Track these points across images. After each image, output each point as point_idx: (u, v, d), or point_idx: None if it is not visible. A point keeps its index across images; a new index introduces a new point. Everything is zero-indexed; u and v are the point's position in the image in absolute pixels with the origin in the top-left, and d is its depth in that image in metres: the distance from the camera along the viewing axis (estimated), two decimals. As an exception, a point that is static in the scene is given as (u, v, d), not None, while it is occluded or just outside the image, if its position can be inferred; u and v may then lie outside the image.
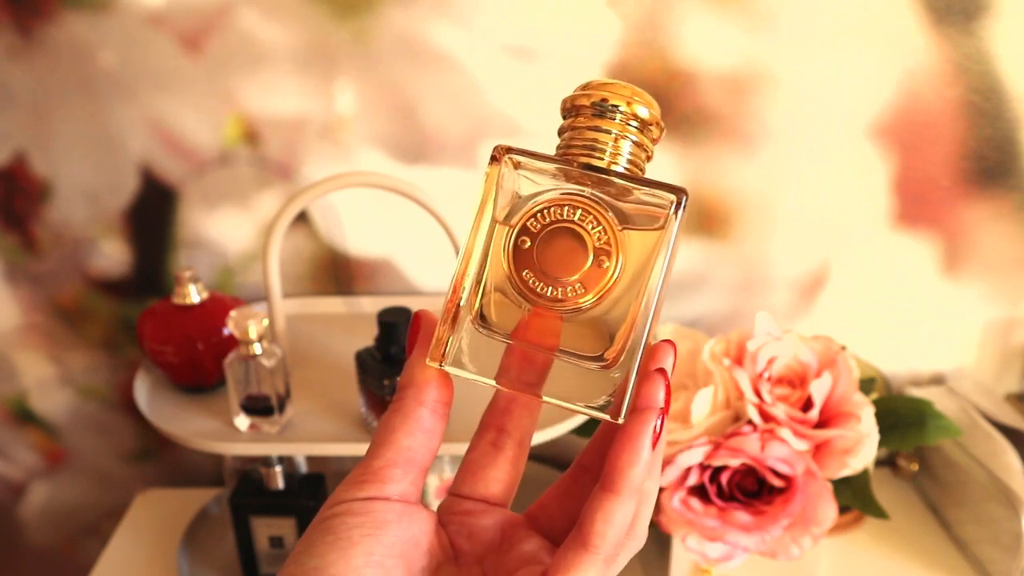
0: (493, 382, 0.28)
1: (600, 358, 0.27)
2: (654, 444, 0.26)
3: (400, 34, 0.72)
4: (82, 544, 0.96)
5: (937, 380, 0.87)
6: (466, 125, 0.75)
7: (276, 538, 0.70)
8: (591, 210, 0.27)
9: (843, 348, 0.62)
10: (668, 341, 0.28)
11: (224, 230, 0.80)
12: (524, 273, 0.27)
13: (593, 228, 0.27)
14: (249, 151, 0.77)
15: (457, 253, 0.66)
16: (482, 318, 0.28)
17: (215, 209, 0.79)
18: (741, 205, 0.78)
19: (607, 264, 0.27)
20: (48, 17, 0.71)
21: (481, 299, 0.28)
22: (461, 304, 0.28)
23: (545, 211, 0.28)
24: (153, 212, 0.79)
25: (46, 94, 0.74)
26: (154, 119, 0.75)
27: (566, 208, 0.27)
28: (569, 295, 0.27)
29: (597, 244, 0.27)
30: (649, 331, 0.27)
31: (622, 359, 0.27)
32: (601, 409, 0.27)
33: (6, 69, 0.73)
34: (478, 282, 0.28)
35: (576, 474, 0.30)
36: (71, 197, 0.79)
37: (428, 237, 0.75)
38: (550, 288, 0.27)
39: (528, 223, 0.28)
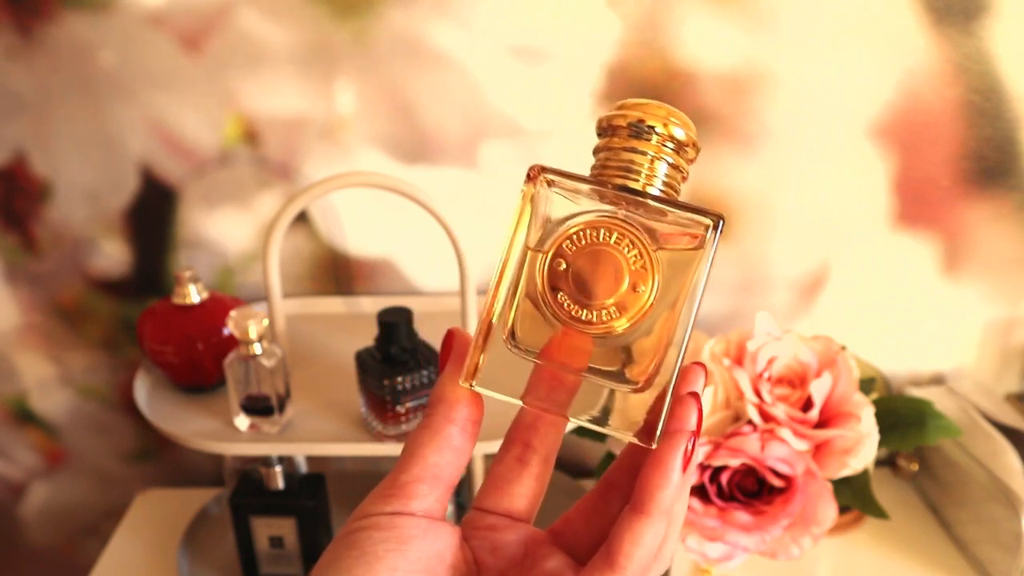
0: (521, 403, 0.28)
1: (632, 382, 0.27)
2: (684, 467, 0.26)
3: (400, 34, 0.72)
4: (82, 544, 0.96)
5: (937, 380, 0.87)
6: (466, 125, 0.75)
7: (276, 538, 0.70)
8: (627, 233, 0.27)
9: (843, 348, 0.62)
10: (699, 363, 0.28)
11: (224, 230, 0.80)
12: (559, 296, 0.27)
13: (629, 251, 0.27)
14: (249, 151, 0.77)
15: (457, 253, 0.66)
16: (512, 336, 0.28)
17: (215, 209, 0.79)
18: (741, 205, 0.78)
19: (642, 288, 0.27)
20: (48, 17, 0.71)
21: (513, 319, 0.28)
22: (493, 322, 0.28)
23: (581, 233, 0.27)
24: (153, 212, 0.79)
25: (46, 94, 0.74)
26: (154, 119, 0.75)
27: (602, 231, 0.27)
28: (604, 319, 0.27)
29: (633, 268, 0.27)
30: (683, 355, 0.27)
31: (655, 382, 0.27)
32: (633, 432, 0.27)
33: (6, 69, 0.73)
34: (511, 302, 0.28)
35: (603, 491, 0.30)
36: (71, 197, 0.79)
37: (428, 237, 0.75)
38: (584, 311, 0.27)
39: (564, 245, 0.27)
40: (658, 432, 0.26)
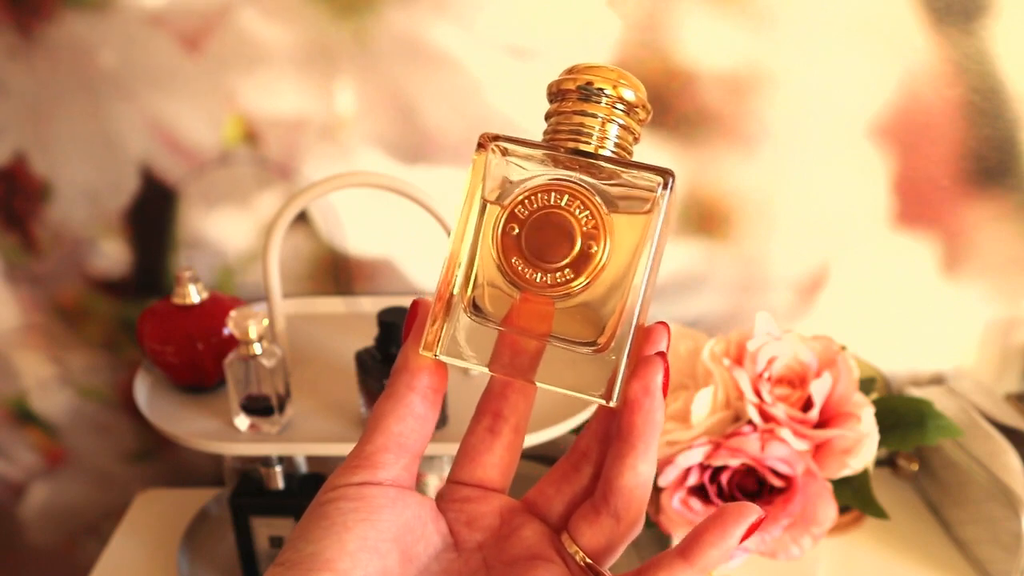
0: (486, 369, 0.28)
1: (592, 343, 0.27)
2: (746, 537, 0.26)
3: (400, 34, 0.72)
4: (82, 544, 0.96)
5: (937, 380, 0.87)
6: (466, 125, 0.75)
7: (276, 538, 0.70)
8: (578, 195, 0.27)
9: (843, 348, 0.62)
10: (662, 323, 0.28)
11: (224, 230, 0.80)
12: (513, 260, 0.27)
13: (580, 212, 0.27)
14: (249, 151, 0.77)
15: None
16: (475, 306, 0.28)
17: (215, 209, 0.79)
18: (741, 205, 0.78)
19: (595, 248, 0.27)
20: (48, 17, 0.71)
21: (474, 287, 0.28)
22: (454, 292, 0.28)
23: (532, 197, 0.27)
24: (153, 212, 0.79)
25: (46, 94, 0.74)
26: (154, 119, 0.75)
27: (553, 194, 0.27)
28: (559, 280, 0.27)
29: (585, 229, 0.27)
30: (639, 314, 0.27)
31: (614, 343, 0.27)
32: (595, 393, 0.27)
33: (6, 69, 0.73)
34: (470, 269, 0.28)
35: (574, 459, 0.30)
36: (71, 197, 0.79)
37: (428, 237, 0.75)
38: (539, 274, 0.27)
39: (515, 210, 0.27)
40: (616, 389, 0.26)
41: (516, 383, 0.30)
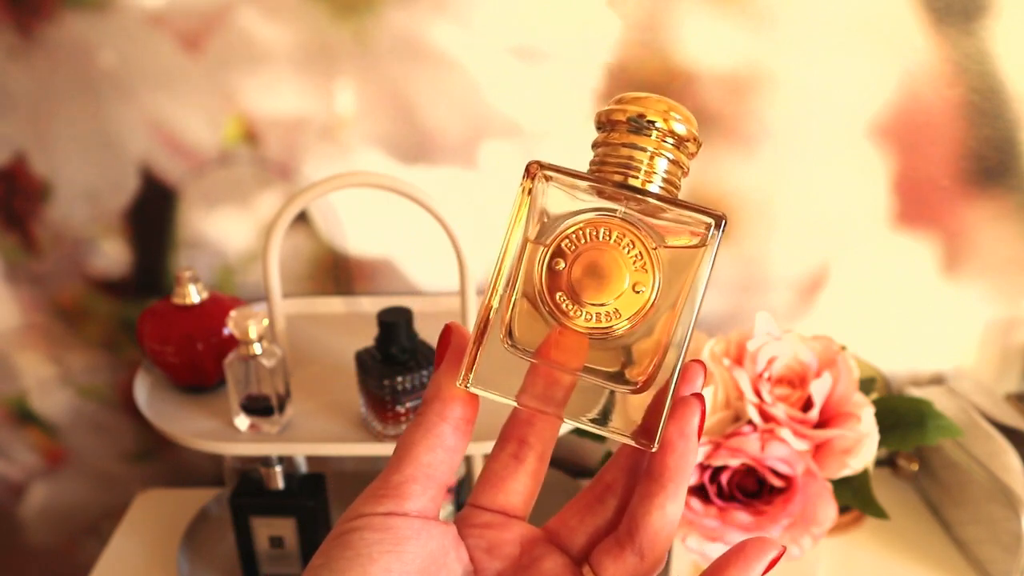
0: (516, 403, 0.28)
1: (630, 381, 0.27)
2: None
3: (400, 34, 0.72)
4: (82, 544, 0.96)
5: (937, 380, 0.87)
6: (466, 125, 0.75)
7: (276, 538, 0.70)
8: (627, 232, 0.26)
9: (843, 348, 0.62)
10: (698, 361, 0.28)
11: (224, 230, 0.80)
12: (557, 296, 0.27)
13: (629, 252, 0.26)
14: (249, 151, 0.77)
15: (457, 253, 0.66)
16: (510, 335, 0.27)
17: (215, 209, 0.79)
18: (741, 205, 0.78)
19: (642, 289, 0.26)
20: (48, 17, 0.71)
21: (511, 317, 0.27)
22: (491, 319, 0.27)
23: (580, 232, 0.27)
24: (153, 212, 0.79)
25: (46, 94, 0.74)
26: (154, 119, 0.75)
27: (602, 230, 0.26)
28: (603, 320, 0.26)
29: (633, 268, 0.26)
30: (684, 355, 0.26)
31: (654, 382, 0.26)
32: (630, 433, 0.26)
33: (6, 69, 0.73)
34: (509, 300, 0.27)
35: (598, 490, 0.30)
36: (71, 197, 0.79)
37: (428, 237, 0.75)
38: (584, 312, 0.26)
39: (562, 244, 0.27)
40: (658, 434, 0.26)
41: (544, 415, 0.30)
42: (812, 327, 0.83)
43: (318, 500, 0.69)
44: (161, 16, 0.71)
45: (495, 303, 0.27)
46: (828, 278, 0.82)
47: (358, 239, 0.81)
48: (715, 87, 0.73)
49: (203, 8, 0.71)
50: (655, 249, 0.26)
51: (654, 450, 0.26)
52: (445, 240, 0.66)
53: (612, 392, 0.27)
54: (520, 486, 0.30)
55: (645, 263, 0.26)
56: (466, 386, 0.27)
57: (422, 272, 0.82)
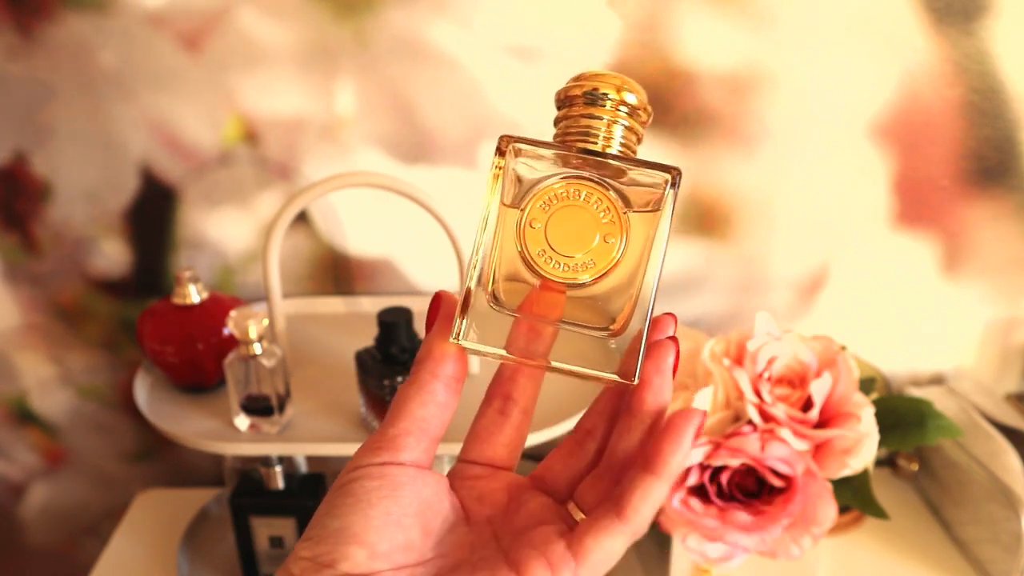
0: (505, 352, 0.30)
1: (607, 328, 0.29)
2: (696, 437, 0.28)
3: (400, 34, 0.72)
4: (82, 544, 0.96)
5: (937, 380, 0.87)
6: (466, 125, 0.75)
7: (276, 538, 0.70)
8: (595, 191, 0.30)
9: (843, 348, 0.62)
10: (668, 313, 0.30)
11: (224, 230, 0.80)
12: (537, 251, 0.30)
13: (598, 207, 0.30)
14: (249, 151, 0.77)
15: (457, 253, 0.66)
16: (495, 298, 0.30)
17: (215, 209, 0.79)
18: (741, 205, 0.78)
19: (612, 240, 0.29)
20: (48, 17, 0.71)
21: (494, 281, 0.30)
22: (475, 284, 0.30)
23: (555, 193, 0.30)
24: (153, 212, 0.79)
25: (46, 94, 0.74)
26: (154, 119, 0.75)
27: (573, 190, 0.30)
28: (578, 270, 0.29)
29: (603, 222, 0.29)
30: (654, 298, 0.29)
31: (629, 326, 0.29)
32: (609, 371, 0.29)
33: (6, 69, 0.73)
34: (491, 263, 0.30)
35: (579, 437, 0.32)
36: (71, 197, 0.79)
37: (428, 237, 0.75)
38: (562, 264, 0.29)
39: (539, 204, 0.30)
40: (637, 370, 0.28)
41: (526, 367, 0.32)
42: (812, 327, 0.83)
43: (318, 500, 0.69)
44: (161, 16, 0.71)
45: (478, 267, 0.30)
46: (828, 278, 0.82)
47: (358, 239, 0.81)
48: (715, 87, 0.73)
49: (203, 8, 0.71)
50: (620, 205, 0.30)
51: (635, 383, 0.29)
52: (445, 240, 0.66)
53: (590, 344, 0.30)
54: (506, 439, 0.32)
55: (613, 217, 0.30)
56: (457, 340, 0.30)
57: (422, 272, 0.82)
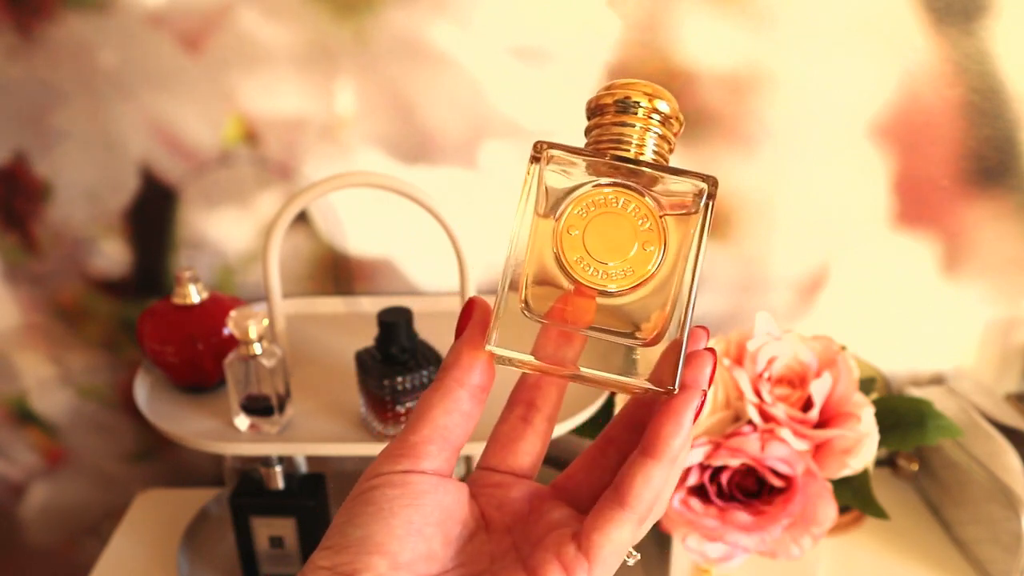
0: (535, 359, 0.29)
1: (641, 337, 0.29)
2: (695, 419, 0.27)
3: (400, 34, 0.72)
4: (82, 544, 0.96)
5: (937, 380, 0.87)
6: (466, 125, 0.75)
7: (276, 538, 0.70)
8: (633, 199, 0.29)
9: (843, 348, 0.62)
10: (702, 327, 0.30)
11: (224, 230, 0.80)
12: (575, 258, 0.29)
13: (636, 215, 0.29)
14: (249, 151, 0.77)
15: (457, 253, 0.66)
16: (527, 304, 0.29)
17: (215, 209, 0.79)
18: (741, 205, 0.78)
19: (650, 248, 0.29)
20: (48, 17, 0.71)
21: (527, 288, 0.29)
22: (508, 291, 0.29)
23: (592, 200, 0.29)
24: (153, 212, 0.79)
25: (46, 94, 0.74)
26: (154, 119, 0.75)
27: (610, 196, 0.29)
28: (616, 278, 0.29)
29: (641, 230, 0.29)
30: (692, 308, 0.28)
31: (666, 335, 0.28)
32: (648, 379, 0.28)
33: (6, 69, 0.73)
34: (524, 272, 0.29)
35: (602, 445, 0.31)
36: (71, 197, 0.79)
37: (428, 237, 0.75)
38: (600, 271, 0.29)
39: (576, 211, 0.29)
40: (677, 378, 0.28)
41: (557, 375, 0.31)
42: (812, 327, 0.83)
43: (318, 500, 0.69)
44: (161, 16, 0.71)
45: (511, 275, 0.29)
46: (828, 278, 0.82)
47: (358, 239, 0.81)
48: (715, 87, 0.73)
49: (203, 8, 0.71)
50: (660, 216, 0.29)
51: (675, 391, 0.28)
52: (445, 240, 0.66)
53: (620, 348, 0.29)
54: (529, 447, 0.32)
55: (651, 225, 0.29)
56: (489, 347, 0.29)
57: (422, 272, 0.82)
